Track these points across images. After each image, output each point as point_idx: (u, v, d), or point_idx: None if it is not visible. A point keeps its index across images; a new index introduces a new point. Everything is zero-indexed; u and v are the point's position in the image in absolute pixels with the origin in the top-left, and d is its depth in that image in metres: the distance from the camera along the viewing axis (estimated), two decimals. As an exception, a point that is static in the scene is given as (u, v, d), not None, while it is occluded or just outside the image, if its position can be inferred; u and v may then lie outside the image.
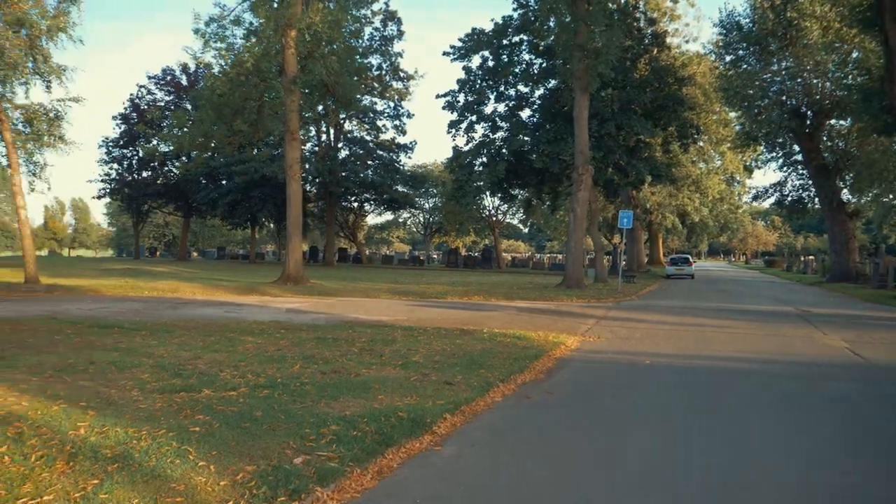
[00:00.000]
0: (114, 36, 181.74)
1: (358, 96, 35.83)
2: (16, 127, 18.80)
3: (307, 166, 46.02)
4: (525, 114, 32.63)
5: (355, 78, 29.96)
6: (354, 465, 4.57)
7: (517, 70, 30.68)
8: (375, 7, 42.38)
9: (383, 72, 47.19)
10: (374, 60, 46.01)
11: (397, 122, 50.36)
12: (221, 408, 5.81)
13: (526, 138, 30.61)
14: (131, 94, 52.43)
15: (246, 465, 4.42)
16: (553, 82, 30.25)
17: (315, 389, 6.64)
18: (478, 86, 32.16)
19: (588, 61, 22.51)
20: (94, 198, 64.77)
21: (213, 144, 27.48)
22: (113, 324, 11.46)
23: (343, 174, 47.69)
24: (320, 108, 43.46)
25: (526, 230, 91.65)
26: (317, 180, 48.63)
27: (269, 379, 7.09)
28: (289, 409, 5.81)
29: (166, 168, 50.79)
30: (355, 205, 55.75)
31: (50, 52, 18.64)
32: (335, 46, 24.87)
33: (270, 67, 23.79)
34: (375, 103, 49.33)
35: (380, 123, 50.49)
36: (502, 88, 32.09)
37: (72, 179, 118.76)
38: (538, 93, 31.80)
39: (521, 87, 31.96)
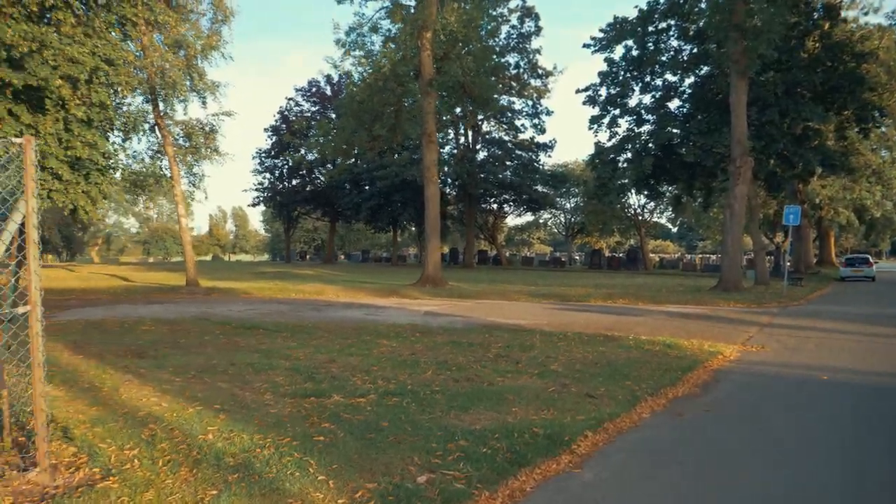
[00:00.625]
0: (265, 54, 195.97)
1: (495, 96, 35.53)
2: (176, 141, 20.40)
3: (446, 169, 46.55)
4: (673, 104, 30.71)
5: (492, 78, 29.68)
6: (482, 486, 4.07)
7: (664, 58, 28.87)
8: (512, 4, 41.95)
9: (521, 70, 46.61)
10: (512, 59, 45.62)
11: (536, 121, 49.63)
12: (348, 416, 5.55)
13: (675, 130, 28.73)
14: (280, 107, 55.99)
15: (366, 482, 4.06)
16: (705, 69, 28.14)
17: (445, 399, 6.22)
18: (621, 77, 30.71)
19: (746, 42, 20.54)
20: (248, 206, 70.07)
21: (354, 150, 28.33)
22: (258, 325, 11.85)
23: (482, 176, 47.72)
24: (458, 110, 43.77)
25: (675, 229, 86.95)
26: (456, 183, 49.06)
27: (399, 385, 6.78)
28: (416, 420, 5.43)
29: (313, 176, 53.62)
30: (494, 206, 55.62)
31: (204, 70, 20.06)
32: (471, 46, 24.71)
33: (407, 71, 24.07)
34: (513, 102, 48.92)
35: (518, 123, 50.07)
36: (648, 79, 30.39)
37: (230, 189, 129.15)
38: (688, 81, 29.82)
39: (669, 77, 30.10)
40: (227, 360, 8.23)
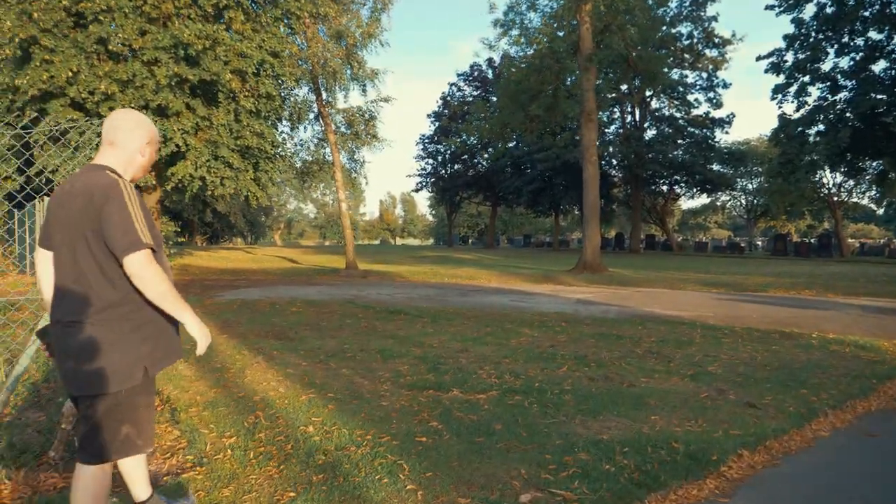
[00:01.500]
0: (429, 42, 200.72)
1: (664, 69, 33.05)
2: (338, 129, 21.10)
3: (610, 149, 44.44)
4: (878, 67, 26.51)
5: (661, 50, 27.58)
6: (596, 515, 3.36)
7: (867, 13, 24.97)
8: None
9: (694, 40, 43.08)
10: (684, 28, 42.28)
11: (711, 95, 45.74)
12: (461, 414, 5.03)
13: (880, 97, 24.80)
14: (443, 93, 56.71)
15: (460, 496, 3.51)
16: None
17: (574, 400, 5.49)
18: (812, 40, 27.11)
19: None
20: (412, 191, 71.92)
21: (511, 133, 27.76)
22: (400, 309, 11.74)
23: (650, 156, 44.93)
24: (624, 87, 41.50)
25: (881, 211, 76.55)
26: (622, 164, 46.74)
27: (526, 382, 6.15)
28: (534, 425, 4.78)
29: (475, 160, 53.84)
30: (664, 188, 52.31)
31: (364, 59, 20.51)
32: (635, 17, 23.00)
33: (565, 47, 22.96)
34: (686, 76, 45.43)
35: (691, 98, 46.41)
36: (846, 39, 26.51)
37: (399, 175, 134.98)
38: (898, 38, 25.56)
39: (874, 34, 25.98)
40: (359, 346, 8.08)
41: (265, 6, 18.34)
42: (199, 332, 2.63)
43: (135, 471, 2.93)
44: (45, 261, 2.71)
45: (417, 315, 11.07)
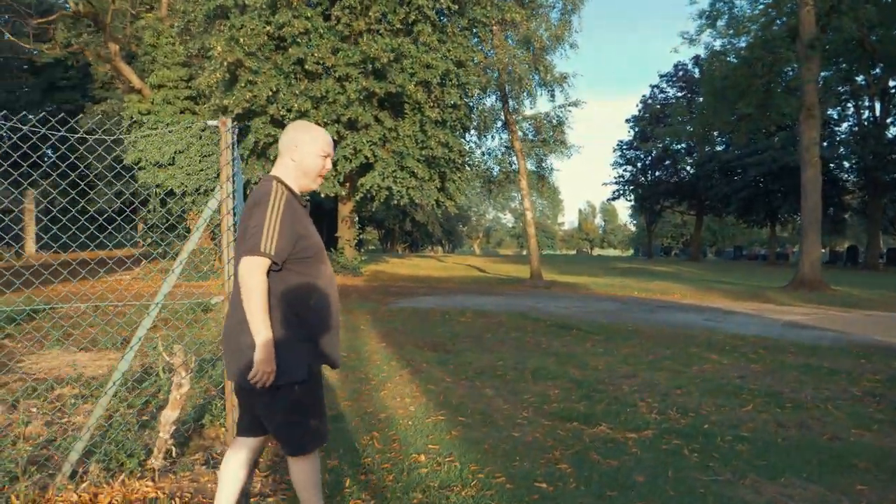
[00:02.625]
0: (629, 45, 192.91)
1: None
2: (525, 136, 20.67)
3: (841, 150, 38.90)
4: None
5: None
6: None
7: None
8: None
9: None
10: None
11: (978, 82, 38.07)
12: (598, 457, 4.24)
13: None
14: (643, 96, 53.87)
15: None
16: None
17: (751, 452, 4.40)
18: None
19: None
20: (608, 200, 69.05)
21: (716, 134, 25.30)
22: (573, 325, 10.92)
23: (892, 156, 38.54)
24: (860, 78, 36.23)
25: None
26: (856, 166, 40.66)
27: (693, 421, 5.12)
28: (688, 481, 3.84)
29: (679, 166, 50.33)
30: (911, 194, 44.50)
31: (552, 63, 19.87)
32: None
33: (781, 35, 20.33)
34: (942, 62, 38.35)
35: (950, 87, 39.04)
36: None
37: (596, 183, 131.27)
38: None
39: None
40: (514, 363, 7.50)
41: (452, 17, 18.51)
42: (261, 356, 2.51)
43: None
44: None
45: (590, 332, 10.19)
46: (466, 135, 21.45)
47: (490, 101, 22.15)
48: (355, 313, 11.87)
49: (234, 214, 3.68)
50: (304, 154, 2.72)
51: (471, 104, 20.54)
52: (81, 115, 26.17)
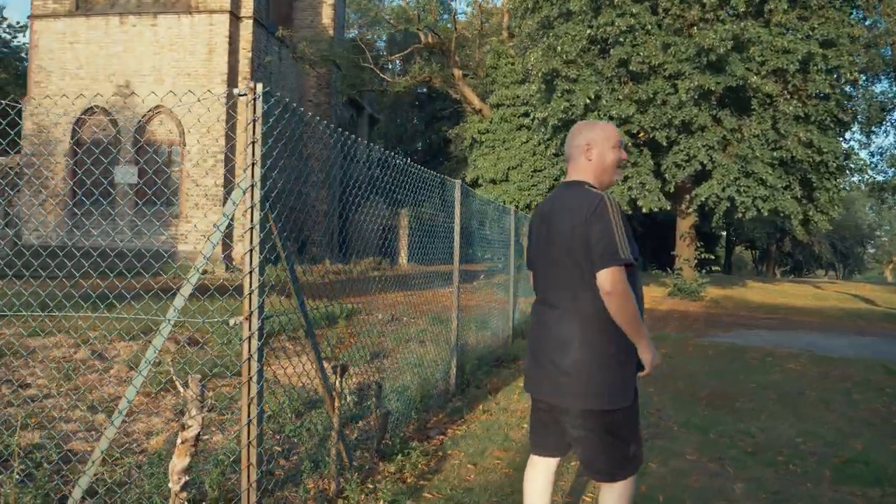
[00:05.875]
0: None
1: None
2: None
3: None
4: None
5: None
6: None
7: None
8: None
9: None
10: None
11: None
12: None
13: None
14: None
15: None
16: None
17: None
18: None
19: None
20: None
21: None
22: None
23: None
24: None
25: None
26: None
27: None
28: None
29: None
30: None
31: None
32: None
33: None
34: None
35: None
36: None
37: None
38: None
39: None
40: (823, 443, 5.13)
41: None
42: (649, 354, 2.56)
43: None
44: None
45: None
46: (845, 132, 17.09)
47: (881, 86, 17.34)
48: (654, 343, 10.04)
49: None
50: (601, 151, 2.64)
51: (850, 92, 16.27)
52: (450, 141, 28.99)
